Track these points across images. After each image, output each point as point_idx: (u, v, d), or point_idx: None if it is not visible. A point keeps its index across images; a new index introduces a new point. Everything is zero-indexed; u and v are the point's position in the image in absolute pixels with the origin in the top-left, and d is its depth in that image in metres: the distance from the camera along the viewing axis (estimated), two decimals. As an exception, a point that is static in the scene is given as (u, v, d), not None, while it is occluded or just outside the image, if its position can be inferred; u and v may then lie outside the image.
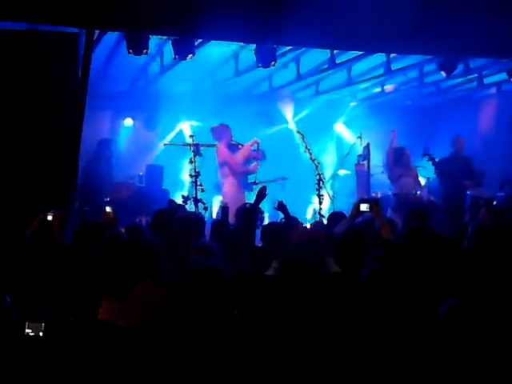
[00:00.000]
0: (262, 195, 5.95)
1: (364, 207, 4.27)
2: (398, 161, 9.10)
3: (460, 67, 8.71)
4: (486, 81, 9.98)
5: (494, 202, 8.63)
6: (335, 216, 6.37)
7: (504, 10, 7.14)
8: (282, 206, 6.04)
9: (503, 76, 9.23)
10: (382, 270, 3.14)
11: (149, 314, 2.11)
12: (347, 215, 6.23)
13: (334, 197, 9.74)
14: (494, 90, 10.85)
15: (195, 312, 2.52)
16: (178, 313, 2.50)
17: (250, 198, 7.92)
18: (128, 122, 11.20)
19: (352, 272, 3.38)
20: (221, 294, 2.61)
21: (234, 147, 9.52)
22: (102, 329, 1.99)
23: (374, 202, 4.36)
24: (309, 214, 10.83)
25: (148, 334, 2.12)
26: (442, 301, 2.84)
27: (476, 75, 9.76)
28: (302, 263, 3.56)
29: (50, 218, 5.27)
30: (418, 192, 9.10)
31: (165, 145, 10.93)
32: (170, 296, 2.32)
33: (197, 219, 5.47)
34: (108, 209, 7.26)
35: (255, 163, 9.56)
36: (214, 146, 9.57)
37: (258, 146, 9.38)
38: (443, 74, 8.55)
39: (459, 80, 10.03)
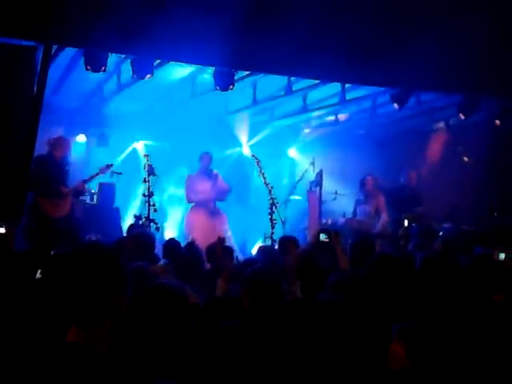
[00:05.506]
0: None
1: (323, 237, 4.31)
2: (360, 188, 9.51)
3: (412, 100, 8.97)
4: (436, 115, 10.31)
5: (440, 233, 8.87)
6: (286, 240, 6.42)
7: (454, 46, 7.44)
8: None
9: (452, 111, 9.55)
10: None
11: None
12: (298, 240, 6.34)
13: (285, 221, 9.79)
14: (442, 124, 11.20)
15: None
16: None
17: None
18: (81, 138, 11.03)
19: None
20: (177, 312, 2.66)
21: None
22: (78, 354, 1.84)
23: (333, 233, 4.41)
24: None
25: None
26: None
27: (426, 109, 10.06)
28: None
29: (2, 230, 5.20)
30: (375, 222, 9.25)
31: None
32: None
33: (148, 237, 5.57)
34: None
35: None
36: None
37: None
38: (396, 106, 8.79)
39: (410, 112, 10.31)
